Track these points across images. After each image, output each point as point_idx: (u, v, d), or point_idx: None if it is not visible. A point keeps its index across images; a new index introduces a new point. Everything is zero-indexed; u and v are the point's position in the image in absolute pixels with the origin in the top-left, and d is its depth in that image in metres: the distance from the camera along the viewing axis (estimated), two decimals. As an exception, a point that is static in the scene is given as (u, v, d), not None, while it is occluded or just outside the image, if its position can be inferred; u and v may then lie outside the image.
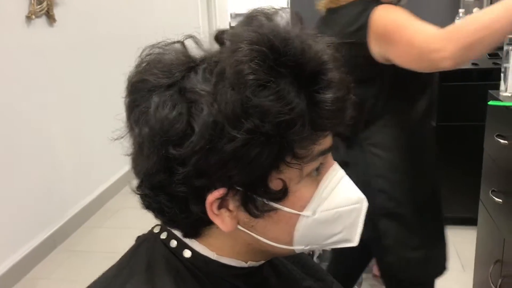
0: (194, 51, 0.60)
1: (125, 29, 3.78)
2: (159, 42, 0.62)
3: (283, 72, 0.54)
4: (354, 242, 0.65)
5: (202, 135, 0.52)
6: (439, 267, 1.45)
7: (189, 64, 0.57)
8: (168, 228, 0.66)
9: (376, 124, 1.34)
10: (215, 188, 0.56)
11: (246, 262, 0.65)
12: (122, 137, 0.62)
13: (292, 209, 0.59)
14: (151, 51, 0.61)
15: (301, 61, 0.54)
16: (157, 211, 0.61)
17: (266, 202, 0.58)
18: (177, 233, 0.65)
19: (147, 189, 0.59)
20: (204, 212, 0.58)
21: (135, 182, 0.63)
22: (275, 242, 0.62)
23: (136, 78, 0.59)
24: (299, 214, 0.60)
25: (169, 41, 0.61)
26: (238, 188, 0.56)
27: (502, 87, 1.83)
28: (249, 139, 0.52)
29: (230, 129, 0.52)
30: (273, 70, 0.53)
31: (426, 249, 1.40)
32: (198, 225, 0.62)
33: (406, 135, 1.34)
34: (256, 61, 0.52)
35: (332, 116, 0.56)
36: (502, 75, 1.84)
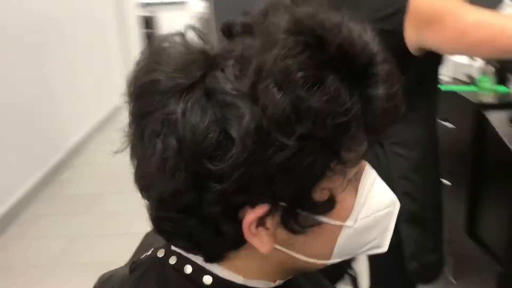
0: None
1: (27, 17, 3.46)
2: (161, 36, 0.52)
3: (333, 66, 0.46)
4: (384, 248, 0.61)
5: (245, 145, 0.44)
6: (441, 268, 1.42)
7: (209, 61, 0.48)
8: (177, 251, 0.57)
9: (399, 121, 1.27)
10: (254, 205, 0.48)
11: (274, 282, 0.59)
12: (122, 151, 0.52)
13: (337, 220, 0.53)
14: (153, 46, 0.52)
15: (351, 53, 0.47)
16: (182, 237, 0.53)
17: (311, 216, 0.51)
18: (192, 257, 0.56)
19: (170, 212, 0.50)
20: (239, 233, 0.50)
21: (146, 203, 0.53)
22: (314, 258, 0.56)
23: (144, 79, 0.49)
24: (343, 225, 0.54)
25: (170, 33, 0.52)
26: (281, 203, 0.49)
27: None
28: (302, 146, 0.45)
29: (279, 136, 0.44)
30: (322, 64, 0.46)
31: (439, 250, 1.38)
32: (227, 248, 0.54)
33: (428, 132, 1.30)
34: (304, 54, 0.45)
35: (387, 115, 0.51)
36: (441, 59, 1.89)
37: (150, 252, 0.61)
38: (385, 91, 0.49)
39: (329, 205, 0.51)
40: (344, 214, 0.54)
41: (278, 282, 0.59)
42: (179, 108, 0.46)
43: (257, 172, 0.45)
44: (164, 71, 0.48)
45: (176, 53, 0.50)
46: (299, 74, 0.45)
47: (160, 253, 0.58)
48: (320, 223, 0.52)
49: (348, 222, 0.55)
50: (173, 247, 0.58)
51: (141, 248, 0.70)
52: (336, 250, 0.56)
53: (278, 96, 0.44)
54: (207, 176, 0.46)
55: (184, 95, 0.46)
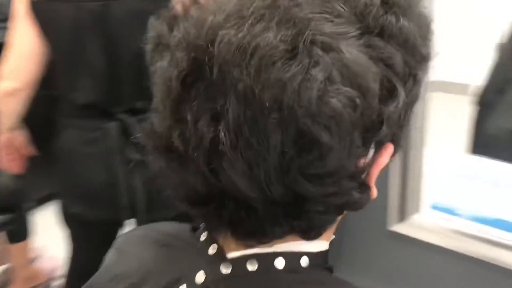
0: None
1: None
2: None
3: None
4: None
5: (404, 82, 0.43)
6: None
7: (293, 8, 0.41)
8: (253, 253, 0.48)
9: None
10: (379, 147, 0.45)
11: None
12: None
13: None
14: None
15: None
16: (339, 209, 0.47)
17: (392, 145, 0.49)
18: (284, 247, 0.48)
19: (336, 185, 0.43)
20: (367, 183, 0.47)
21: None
22: None
23: (260, 49, 0.39)
24: None
25: None
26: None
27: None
28: (424, 72, 0.46)
29: (417, 66, 0.44)
30: None
31: None
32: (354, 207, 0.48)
33: None
34: None
35: None
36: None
37: (220, 271, 0.49)
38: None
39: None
40: None
41: None
42: (347, 54, 0.39)
43: (400, 110, 0.43)
44: (272, 30, 0.39)
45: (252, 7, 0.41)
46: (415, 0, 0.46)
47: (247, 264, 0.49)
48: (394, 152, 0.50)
49: None
50: (231, 255, 0.49)
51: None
52: None
53: (410, 25, 0.43)
54: (375, 124, 0.41)
55: (317, 46, 0.39)
